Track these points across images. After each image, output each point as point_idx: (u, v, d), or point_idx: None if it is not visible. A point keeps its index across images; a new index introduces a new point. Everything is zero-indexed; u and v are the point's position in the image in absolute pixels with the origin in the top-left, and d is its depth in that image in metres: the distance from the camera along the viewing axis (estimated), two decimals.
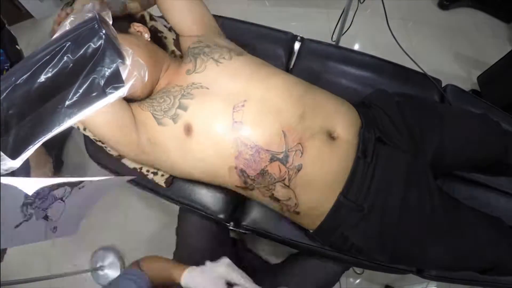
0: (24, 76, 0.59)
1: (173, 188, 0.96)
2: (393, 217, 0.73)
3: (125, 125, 0.79)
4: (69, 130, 1.61)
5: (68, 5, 0.81)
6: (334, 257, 0.90)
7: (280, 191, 0.73)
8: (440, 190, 0.81)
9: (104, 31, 0.61)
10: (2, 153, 0.61)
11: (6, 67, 1.25)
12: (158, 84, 0.84)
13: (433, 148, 0.82)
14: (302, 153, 0.71)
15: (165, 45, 1.00)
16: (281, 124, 0.71)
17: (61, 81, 0.62)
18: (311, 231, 0.82)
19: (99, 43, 0.62)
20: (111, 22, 0.69)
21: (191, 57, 0.83)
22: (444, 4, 1.94)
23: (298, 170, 0.72)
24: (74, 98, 0.63)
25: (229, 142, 0.72)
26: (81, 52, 0.61)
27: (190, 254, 0.95)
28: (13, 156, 0.62)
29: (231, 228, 0.98)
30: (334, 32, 1.41)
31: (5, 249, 1.02)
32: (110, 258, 1.49)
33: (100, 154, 0.98)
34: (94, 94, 0.64)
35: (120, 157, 0.95)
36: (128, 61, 0.68)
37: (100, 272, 1.47)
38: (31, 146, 0.62)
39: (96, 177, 0.57)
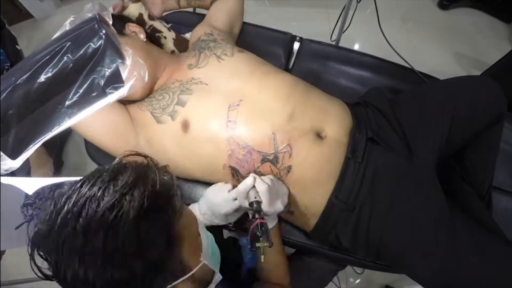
0: (24, 76, 0.60)
1: None
2: (380, 219, 0.72)
3: (121, 133, 0.79)
4: (69, 130, 1.61)
5: None
6: (333, 256, 0.90)
7: None
8: (448, 203, 0.74)
9: (104, 31, 0.61)
10: (2, 153, 0.61)
11: (6, 67, 1.25)
12: (157, 83, 0.84)
13: (437, 144, 0.79)
14: (290, 154, 0.71)
15: (163, 45, 1.00)
16: (272, 125, 0.72)
17: (61, 81, 0.62)
18: (308, 231, 0.82)
19: (99, 43, 0.62)
20: (111, 22, 0.69)
21: (196, 51, 0.85)
22: (444, 4, 1.95)
23: (288, 171, 0.72)
24: (74, 98, 0.63)
25: (223, 140, 0.73)
26: (81, 52, 0.61)
27: None
28: (13, 156, 0.62)
29: (231, 228, 0.98)
30: (333, 32, 1.41)
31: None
32: None
33: (100, 154, 0.98)
34: (94, 94, 0.64)
35: None
36: (128, 61, 0.68)
37: None
38: (31, 146, 0.63)
39: None
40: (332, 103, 0.81)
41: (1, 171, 0.62)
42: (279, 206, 0.69)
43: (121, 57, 0.64)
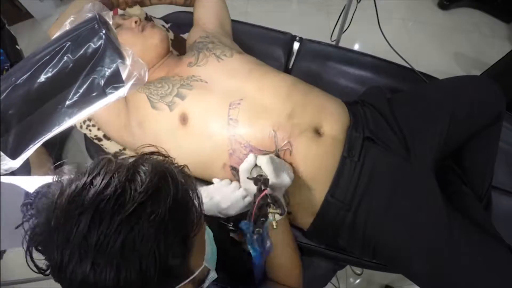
0: (24, 76, 0.59)
1: None
2: (376, 218, 0.72)
3: (112, 106, 0.77)
4: (69, 130, 1.61)
5: None
6: (330, 255, 0.90)
7: None
8: (448, 204, 0.74)
9: (104, 31, 0.61)
10: (2, 153, 0.61)
11: (6, 67, 1.25)
12: (155, 72, 0.84)
13: (435, 144, 0.80)
14: (291, 152, 0.72)
15: None
16: (272, 123, 0.72)
17: (61, 81, 0.62)
18: (304, 229, 0.82)
19: (99, 43, 0.62)
20: (111, 22, 0.69)
21: (195, 51, 0.85)
22: (444, 4, 1.95)
23: None
24: (74, 98, 0.63)
25: (224, 138, 0.73)
26: (81, 52, 0.61)
27: None
28: (13, 156, 0.62)
29: (231, 228, 0.98)
30: (333, 32, 1.41)
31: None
32: None
33: (100, 154, 0.98)
34: (94, 94, 0.64)
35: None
36: (128, 61, 0.68)
37: None
38: (31, 146, 0.63)
39: None
40: (330, 101, 0.81)
41: (1, 171, 0.62)
42: (286, 178, 0.66)
43: (121, 57, 0.64)
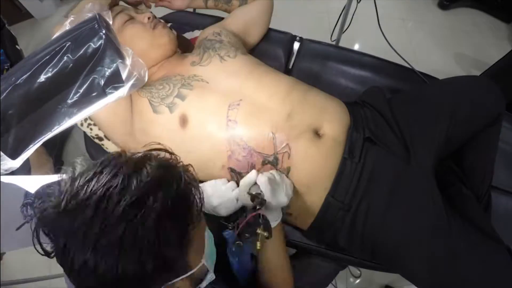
0: (24, 76, 0.60)
1: None
2: (376, 219, 0.72)
3: (120, 112, 0.79)
4: (69, 130, 1.61)
5: None
6: (331, 255, 0.90)
7: None
8: (446, 207, 0.73)
9: (104, 31, 0.61)
10: (2, 153, 0.61)
11: (6, 67, 1.25)
12: (156, 73, 0.84)
13: (435, 145, 0.79)
14: (290, 155, 0.71)
15: None
16: (271, 125, 0.72)
17: (61, 81, 0.62)
18: (304, 229, 0.82)
19: (99, 43, 0.62)
20: (111, 22, 0.69)
21: (201, 49, 0.85)
22: (444, 4, 1.95)
23: (288, 172, 0.72)
24: (74, 98, 0.63)
25: (223, 140, 0.72)
26: (81, 52, 0.61)
27: None
28: (13, 156, 0.62)
29: (230, 228, 0.98)
30: (333, 32, 1.41)
31: None
32: None
33: (100, 154, 0.98)
34: (94, 94, 0.64)
35: None
36: (128, 61, 0.68)
37: None
38: (31, 146, 0.63)
39: None
40: (330, 102, 0.81)
41: (1, 171, 0.62)
42: (283, 198, 0.67)
43: (121, 57, 0.64)
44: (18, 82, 0.59)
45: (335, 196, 0.73)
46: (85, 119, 0.93)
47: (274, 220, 0.69)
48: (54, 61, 0.60)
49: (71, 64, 0.61)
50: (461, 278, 0.68)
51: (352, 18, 1.29)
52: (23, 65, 0.61)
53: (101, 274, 0.36)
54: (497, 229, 0.76)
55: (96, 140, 0.95)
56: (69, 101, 0.63)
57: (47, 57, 0.60)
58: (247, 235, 0.61)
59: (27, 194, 0.67)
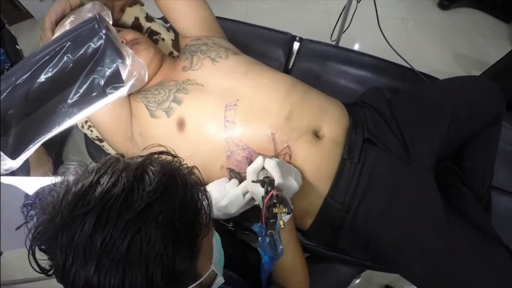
0: (24, 76, 0.60)
1: None
2: (375, 220, 0.72)
3: (122, 119, 0.79)
4: (69, 130, 1.61)
5: None
6: (331, 256, 0.90)
7: None
8: (447, 207, 0.73)
9: (104, 31, 0.61)
10: (2, 153, 0.61)
11: (6, 67, 1.25)
12: (152, 81, 0.84)
13: (435, 146, 0.79)
14: (290, 156, 0.71)
15: (161, 47, 0.99)
16: (270, 125, 0.71)
17: (61, 81, 0.62)
18: (304, 230, 0.82)
19: (99, 43, 0.62)
20: (111, 22, 0.69)
21: (187, 55, 0.84)
22: (444, 4, 1.94)
23: None
24: (75, 98, 0.63)
25: (221, 140, 0.72)
26: (81, 52, 0.61)
27: None
28: (13, 156, 0.62)
29: (231, 228, 0.98)
30: (333, 32, 1.41)
31: None
32: None
33: (100, 154, 0.98)
34: (94, 94, 0.64)
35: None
36: (128, 61, 0.68)
37: None
38: (31, 146, 0.63)
39: None
40: (329, 103, 0.81)
41: (1, 171, 0.62)
42: (293, 183, 0.65)
43: (121, 57, 0.64)
44: (18, 82, 0.59)
45: (335, 197, 0.72)
46: (86, 121, 0.93)
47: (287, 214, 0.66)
48: (54, 61, 0.60)
49: (71, 64, 0.61)
50: (461, 278, 0.68)
51: (352, 18, 1.29)
52: (23, 65, 0.61)
53: None
54: (497, 229, 0.76)
55: (97, 142, 0.95)
56: (69, 101, 0.63)
57: (47, 57, 0.60)
58: (272, 220, 0.57)
59: (27, 194, 0.67)
